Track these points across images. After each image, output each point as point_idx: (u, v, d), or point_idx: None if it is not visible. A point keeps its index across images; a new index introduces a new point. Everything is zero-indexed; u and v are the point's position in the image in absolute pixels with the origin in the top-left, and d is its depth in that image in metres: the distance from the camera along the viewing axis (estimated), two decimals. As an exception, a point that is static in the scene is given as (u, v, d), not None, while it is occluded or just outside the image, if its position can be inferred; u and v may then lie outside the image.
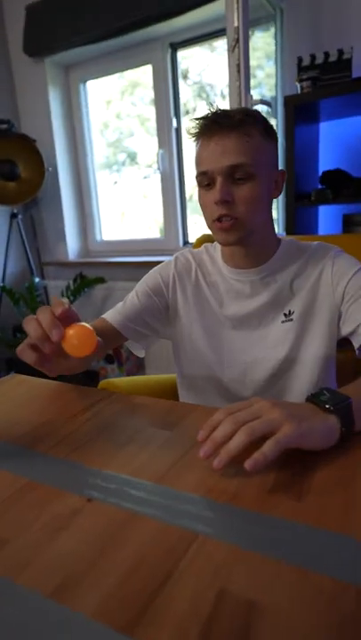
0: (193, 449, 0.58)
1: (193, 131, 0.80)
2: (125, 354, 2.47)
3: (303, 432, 0.51)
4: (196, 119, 0.79)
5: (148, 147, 2.64)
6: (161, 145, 2.49)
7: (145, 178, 2.74)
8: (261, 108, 1.87)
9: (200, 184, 0.80)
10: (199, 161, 0.79)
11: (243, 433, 0.50)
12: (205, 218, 0.82)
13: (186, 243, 2.59)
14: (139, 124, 2.66)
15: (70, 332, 0.57)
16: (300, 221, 1.78)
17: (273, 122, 2.08)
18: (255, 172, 0.76)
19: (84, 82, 2.71)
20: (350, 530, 0.42)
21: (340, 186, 1.73)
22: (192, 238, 2.56)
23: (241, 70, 1.55)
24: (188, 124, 0.80)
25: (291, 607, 0.34)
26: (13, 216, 2.60)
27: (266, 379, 0.89)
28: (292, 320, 0.86)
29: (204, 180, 0.79)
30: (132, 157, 2.77)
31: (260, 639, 0.32)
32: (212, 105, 0.78)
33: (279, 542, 0.41)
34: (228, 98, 2.34)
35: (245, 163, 0.75)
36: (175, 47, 2.36)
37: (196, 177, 0.80)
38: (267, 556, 0.39)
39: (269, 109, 1.93)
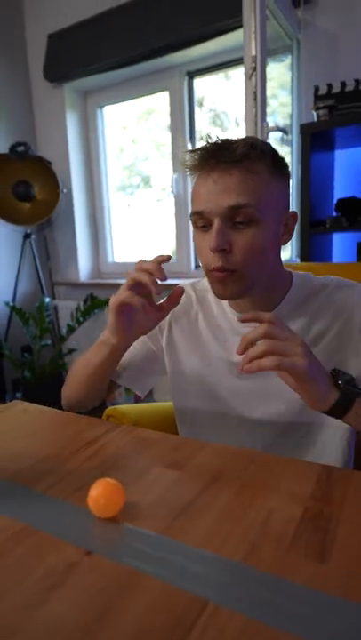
0: (203, 493, 0.53)
1: (189, 163, 0.68)
2: (133, 377, 2.42)
3: (305, 377, 0.57)
4: (193, 151, 0.68)
5: (161, 170, 2.66)
6: (176, 170, 2.50)
7: (158, 201, 2.75)
8: (277, 136, 1.87)
9: (195, 224, 0.70)
10: (195, 199, 0.69)
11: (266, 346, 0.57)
12: (201, 264, 0.72)
13: (198, 266, 2.57)
14: (154, 148, 2.70)
15: (96, 491, 0.50)
16: (314, 248, 1.75)
17: (287, 150, 2.08)
18: (259, 215, 0.65)
19: (101, 107, 2.76)
20: (382, 603, 0.37)
21: (355, 213, 1.70)
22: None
23: (258, 98, 1.55)
24: (184, 157, 0.69)
25: None
26: (27, 236, 2.61)
27: (278, 436, 0.78)
28: None
29: (200, 221, 0.69)
30: (146, 181, 2.79)
31: None
32: (210, 137, 0.67)
33: (301, 617, 0.36)
34: (241, 125, 2.37)
35: (248, 204, 0.64)
36: (192, 75, 2.40)
37: (191, 216, 0.70)
38: (288, 632, 0.34)
39: (284, 136, 1.93)
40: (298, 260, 1.96)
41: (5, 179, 2.51)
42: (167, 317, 0.84)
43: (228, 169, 0.64)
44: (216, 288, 0.71)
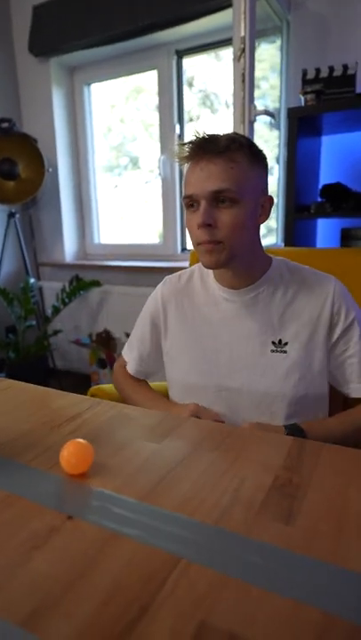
0: (181, 464, 0.56)
1: (181, 155, 0.79)
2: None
3: None
4: (184, 144, 0.79)
5: (150, 152, 2.63)
6: (163, 151, 2.48)
7: (146, 183, 2.73)
8: (266, 119, 1.87)
9: (186, 206, 0.81)
10: (186, 184, 0.80)
11: None
12: (191, 240, 0.83)
13: (184, 249, 2.58)
14: (142, 129, 2.66)
15: (67, 451, 0.55)
16: (298, 233, 1.77)
17: (276, 133, 2.08)
18: (239, 197, 0.75)
19: (89, 84, 2.71)
20: (341, 559, 0.40)
21: (339, 200, 1.72)
22: (190, 245, 2.54)
23: (246, 80, 1.54)
24: (176, 149, 0.81)
25: (275, 643, 0.33)
26: (11, 215, 2.57)
27: (252, 408, 0.84)
28: (285, 352, 0.82)
29: (190, 203, 0.79)
30: (135, 162, 2.76)
31: None
32: (198, 132, 0.78)
33: (266, 570, 0.39)
34: (231, 107, 2.35)
35: (229, 188, 0.75)
36: (181, 54, 2.36)
37: (183, 199, 0.81)
38: (252, 585, 0.37)
39: (272, 120, 1.92)
40: (282, 244, 1.98)
41: (-11, 156, 2.46)
42: (160, 307, 0.95)
43: (213, 159, 0.75)
44: (204, 258, 0.80)
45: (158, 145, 2.51)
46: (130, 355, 1.02)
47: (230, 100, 2.37)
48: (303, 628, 0.34)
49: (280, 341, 0.83)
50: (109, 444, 0.62)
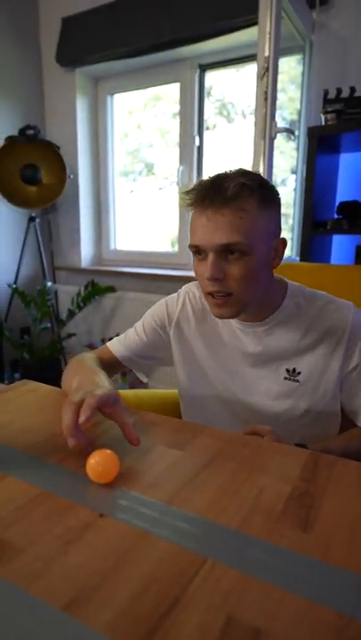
0: (204, 471, 0.59)
1: (186, 202, 0.75)
2: (130, 364, 2.48)
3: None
4: (187, 192, 0.74)
5: (165, 159, 2.69)
6: (182, 161, 2.53)
7: (160, 189, 2.78)
8: (284, 135, 1.90)
9: (193, 254, 0.77)
10: (192, 232, 0.76)
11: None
12: (200, 287, 0.80)
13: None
14: (159, 136, 2.72)
15: (94, 460, 0.56)
16: (314, 248, 1.80)
17: (293, 145, 2.12)
18: (250, 249, 0.71)
19: (112, 94, 2.77)
20: (354, 566, 0.43)
21: (355, 217, 1.75)
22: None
23: (268, 98, 1.58)
24: (181, 196, 0.74)
25: (296, 637, 0.35)
26: (31, 219, 2.64)
27: (266, 423, 0.85)
28: (298, 382, 0.83)
29: (197, 252, 0.76)
30: (150, 168, 2.81)
31: (265, 670, 0.33)
32: (202, 181, 0.74)
33: (286, 573, 0.42)
34: (248, 117, 2.40)
35: (239, 241, 0.70)
36: (204, 68, 2.42)
37: (189, 246, 0.77)
38: (273, 585, 0.40)
39: (291, 136, 1.96)
40: (297, 258, 2.01)
41: (13, 161, 2.53)
42: (175, 315, 0.93)
43: (220, 209, 0.70)
44: (214, 310, 0.79)
45: (173, 152, 2.56)
46: (119, 339, 0.98)
47: (247, 110, 2.43)
48: (321, 627, 0.36)
49: (294, 370, 0.83)
50: (134, 449, 0.65)
